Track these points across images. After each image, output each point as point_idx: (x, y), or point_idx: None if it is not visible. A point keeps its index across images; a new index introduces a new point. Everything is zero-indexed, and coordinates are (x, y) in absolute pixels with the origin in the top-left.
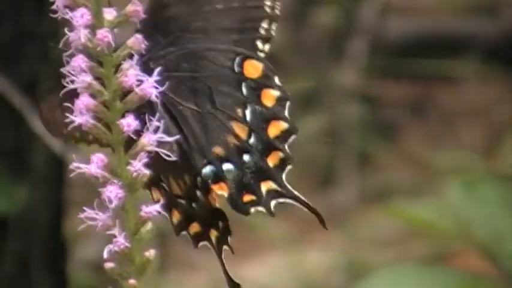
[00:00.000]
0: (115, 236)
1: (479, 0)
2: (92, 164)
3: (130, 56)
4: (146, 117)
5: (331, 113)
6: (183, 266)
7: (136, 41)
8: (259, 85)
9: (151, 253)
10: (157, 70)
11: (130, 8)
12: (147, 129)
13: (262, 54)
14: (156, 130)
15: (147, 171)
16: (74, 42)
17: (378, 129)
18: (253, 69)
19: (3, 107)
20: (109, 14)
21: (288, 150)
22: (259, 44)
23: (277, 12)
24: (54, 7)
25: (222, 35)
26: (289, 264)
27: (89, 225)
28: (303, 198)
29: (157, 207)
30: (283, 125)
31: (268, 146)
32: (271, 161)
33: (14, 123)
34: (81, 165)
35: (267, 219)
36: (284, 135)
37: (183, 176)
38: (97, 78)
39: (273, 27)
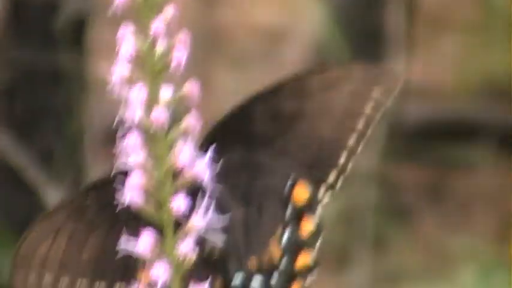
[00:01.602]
0: None
1: (498, 83)
2: (141, 240)
3: (186, 135)
4: (197, 200)
5: (346, 195)
6: None
7: (193, 119)
8: (302, 212)
9: None
10: (210, 152)
11: (187, 86)
12: (197, 211)
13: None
14: (206, 213)
15: (195, 254)
16: (128, 119)
17: (393, 212)
18: (302, 195)
19: (17, 179)
20: (166, 91)
21: (309, 284)
22: (333, 173)
23: (358, 149)
24: (111, 82)
25: (288, 158)
26: None
27: None
28: None
29: (205, 286)
30: (310, 260)
31: (293, 275)
32: None
33: (26, 195)
34: (131, 241)
35: None
36: (310, 268)
37: (217, 279)
38: (150, 156)
39: (351, 161)
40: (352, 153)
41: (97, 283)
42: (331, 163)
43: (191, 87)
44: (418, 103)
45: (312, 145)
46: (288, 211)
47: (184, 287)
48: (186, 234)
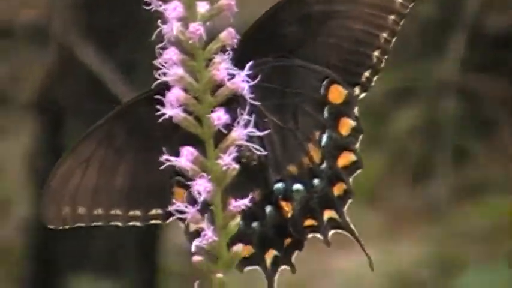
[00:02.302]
0: (203, 230)
1: None
2: (182, 157)
3: (223, 50)
4: (237, 112)
5: (427, 107)
6: None
7: (229, 35)
8: (339, 112)
9: (239, 247)
10: (249, 65)
11: (223, 1)
12: (238, 123)
13: (364, 87)
14: (246, 124)
15: (237, 166)
16: (166, 35)
17: (474, 124)
18: (338, 94)
19: (100, 89)
20: (202, 7)
21: (351, 184)
22: (366, 73)
23: (399, 28)
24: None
25: (320, 61)
26: (380, 256)
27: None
28: (357, 235)
29: (246, 201)
30: (353, 157)
31: (335, 175)
32: (336, 191)
33: (110, 106)
34: (172, 158)
35: (362, 211)
36: (351, 168)
37: (247, 194)
38: (188, 71)
39: (383, 60)
40: (383, 52)
41: (132, 211)
42: (364, 64)
43: (227, 2)
44: (500, 13)
45: (342, 47)
46: (325, 113)
47: (226, 200)
48: (226, 147)
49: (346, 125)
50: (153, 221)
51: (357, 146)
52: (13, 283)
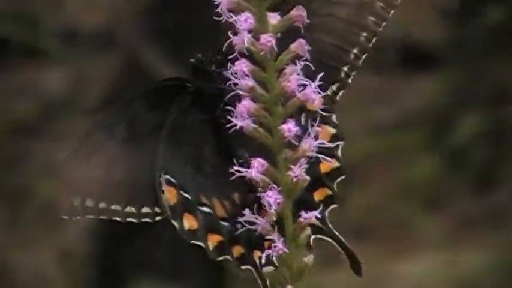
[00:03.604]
0: (274, 241)
1: None
2: (252, 168)
3: (294, 61)
4: (308, 123)
5: (491, 112)
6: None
7: (300, 46)
8: (316, 119)
9: (309, 258)
10: (319, 75)
11: (294, 12)
12: (308, 134)
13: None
14: (317, 136)
15: (308, 177)
16: (237, 46)
17: None
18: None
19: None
20: (273, 18)
21: (335, 189)
22: (333, 87)
23: (370, 45)
24: (218, 10)
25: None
26: (444, 263)
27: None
28: (341, 238)
29: (316, 213)
30: (335, 164)
31: (317, 181)
32: (317, 196)
33: None
34: (242, 169)
35: (425, 217)
36: (334, 174)
37: (232, 195)
38: (259, 82)
39: (351, 75)
40: (352, 68)
41: (128, 207)
42: (331, 77)
43: (298, 12)
44: None
45: (313, 59)
46: (302, 119)
47: (296, 212)
48: (297, 158)
49: (326, 132)
50: (145, 219)
51: (339, 152)
52: (76, 287)
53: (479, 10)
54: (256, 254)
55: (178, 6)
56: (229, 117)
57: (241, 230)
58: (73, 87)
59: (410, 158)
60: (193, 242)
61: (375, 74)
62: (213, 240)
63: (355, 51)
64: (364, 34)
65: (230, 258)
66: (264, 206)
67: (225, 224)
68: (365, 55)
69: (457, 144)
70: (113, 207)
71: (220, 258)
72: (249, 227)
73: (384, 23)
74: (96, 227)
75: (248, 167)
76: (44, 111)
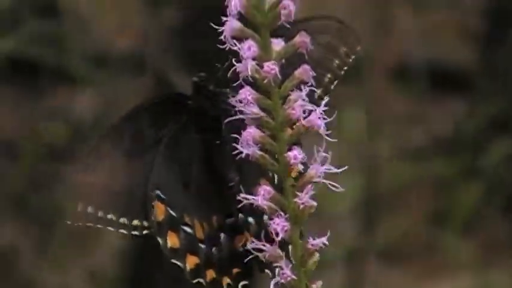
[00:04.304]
0: (282, 268)
1: None
2: (259, 196)
3: (298, 87)
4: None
5: None
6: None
7: (305, 72)
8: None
9: (318, 285)
10: (324, 101)
11: (298, 39)
12: (315, 160)
13: None
14: (323, 162)
15: (315, 203)
16: (241, 73)
17: None
18: None
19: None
20: (277, 44)
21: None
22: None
23: (342, 73)
24: (222, 37)
25: None
26: (475, 286)
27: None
28: None
29: (324, 239)
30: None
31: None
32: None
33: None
34: (249, 197)
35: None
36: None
37: (211, 218)
38: (264, 109)
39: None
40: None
41: (122, 218)
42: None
43: (302, 38)
44: None
45: None
46: None
47: (302, 238)
48: (303, 185)
49: None
50: (134, 232)
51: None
52: None
53: (509, 32)
54: (225, 280)
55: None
56: (235, 145)
57: (215, 253)
58: (103, 110)
59: (443, 184)
60: (173, 261)
61: (405, 97)
62: (190, 261)
63: (318, 91)
64: (329, 75)
65: (203, 282)
66: (271, 233)
67: (202, 246)
68: (328, 95)
69: (489, 168)
70: (109, 216)
71: (195, 281)
72: (257, 254)
73: (346, 68)
74: (127, 249)
75: (251, 193)
76: (75, 135)
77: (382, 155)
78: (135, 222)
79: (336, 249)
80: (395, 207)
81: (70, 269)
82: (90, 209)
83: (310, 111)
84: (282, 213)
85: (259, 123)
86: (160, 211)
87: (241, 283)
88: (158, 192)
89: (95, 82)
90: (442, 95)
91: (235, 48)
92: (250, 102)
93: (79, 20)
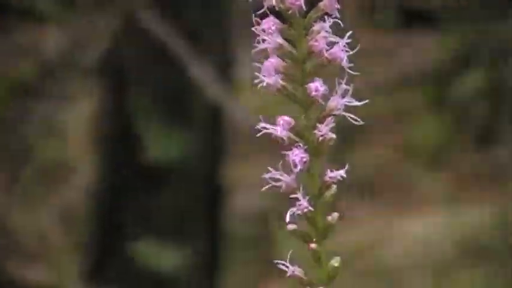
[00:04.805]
0: (298, 199)
1: None
2: (278, 126)
3: (322, 19)
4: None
5: (492, 70)
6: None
7: (329, 4)
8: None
9: (334, 217)
10: (348, 33)
11: None
12: (335, 92)
13: None
14: (344, 94)
15: (334, 135)
16: (265, 2)
17: None
18: None
19: (164, 53)
20: None
21: None
22: None
23: None
24: None
25: None
26: (445, 220)
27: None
28: None
29: (342, 172)
30: None
31: None
32: None
33: (175, 71)
34: (268, 126)
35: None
36: None
37: None
38: (287, 40)
39: None
40: None
41: None
42: None
43: None
44: None
45: None
46: None
47: (322, 170)
48: (324, 117)
49: None
50: None
51: None
52: (77, 248)
53: None
54: None
55: None
56: (256, 73)
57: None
58: (72, 48)
59: (411, 117)
60: None
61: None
62: None
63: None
64: None
65: None
66: (289, 163)
67: None
68: None
69: (457, 103)
70: None
71: None
72: (274, 184)
73: None
74: (96, 188)
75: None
76: (43, 72)
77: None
78: None
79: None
80: (365, 141)
81: (41, 208)
82: None
83: (333, 44)
84: (301, 145)
85: (281, 54)
86: None
87: None
88: None
89: (62, 20)
90: (410, 31)
91: None
92: (274, 32)
93: None
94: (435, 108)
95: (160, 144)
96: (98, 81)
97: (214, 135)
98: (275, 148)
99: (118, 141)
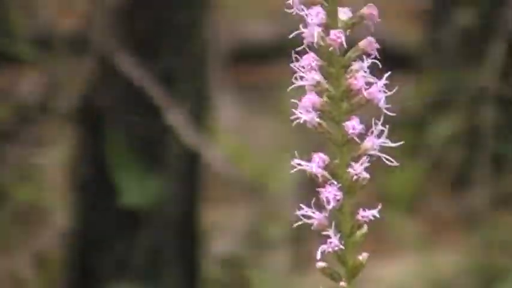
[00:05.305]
0: (329, 237)
1: None
2: (313, 163)
3: (361, 58)
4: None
5: (466, 116)
6: None
7: (369, 43)
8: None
9: (364, 256)
10: (386, 74)
11: (366, 10)
12: (371, 132)
13: None
14: (380, 135)
15: (367, 175)
16: (306, 39)
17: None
18: None
19: (139, 99)
20: (344, 13)
21: None
22: None
23: None
24: (289, 2)
25: None
26: (420, 264)
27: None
28: None
29: (375, 212)
30: None
31: None
32: None
33: (149, 115)
34: (303, 163)
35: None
36: None
37: None
38: (325, 77)
39: None
40: None
41: None
42: None
43: (370, 10)
44: None
45: None
46: None
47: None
48: (358, 156)
49: None
50: None
51: None
52: None
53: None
54: None
55: (150, 8)
56: (293, 110)
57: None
58: (47, 92)
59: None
60: None
61: None
62: None
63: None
64: None
65: None
66: (322, 201)
67: None
68: None
69: (432, 147)
70: None
71: None
72: (306, 221)
73: None
74: (72, 231)
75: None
76: (19, 116)
77: None
78: None
79: (280, 229)
80: None
81: (16, 251)
82: None
83: (371, 84)
84: (335, 182)
85: (319, 91)
86: None
87: None
88: None
89: (38, 63)
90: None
91: (302, 13)
92: (313, 69)
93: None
94: (410, 154)
95: (136, 189)
96: (74, 125)
97: (189, 180)
98: (249, 195)
99: (94, 185)
